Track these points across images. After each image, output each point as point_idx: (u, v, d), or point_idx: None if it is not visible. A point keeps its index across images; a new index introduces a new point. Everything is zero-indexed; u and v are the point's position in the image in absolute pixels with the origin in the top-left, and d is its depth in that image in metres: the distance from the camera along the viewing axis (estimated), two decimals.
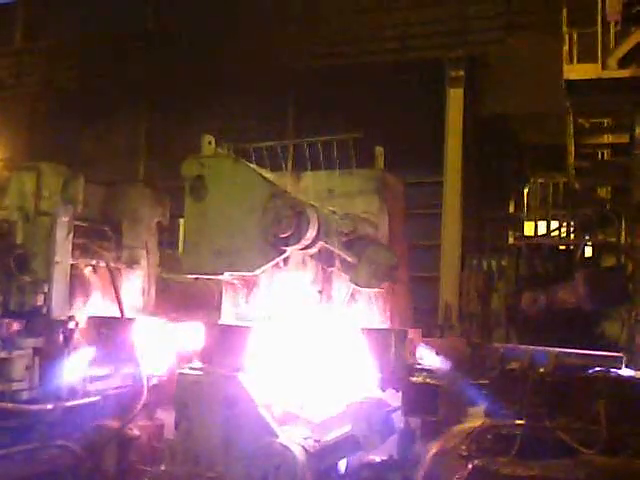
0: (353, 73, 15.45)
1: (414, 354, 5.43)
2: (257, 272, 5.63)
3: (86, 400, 6.17)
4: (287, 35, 16.35)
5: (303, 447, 5.13)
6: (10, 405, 5.76)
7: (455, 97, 14.96)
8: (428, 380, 5.24)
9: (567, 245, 9.84)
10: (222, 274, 5.78)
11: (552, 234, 10.33)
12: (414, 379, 5.26)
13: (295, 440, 5.15)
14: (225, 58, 16.81)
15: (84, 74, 19.15)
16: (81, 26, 19.55)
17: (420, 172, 13.61)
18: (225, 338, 5.60)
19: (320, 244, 5.43)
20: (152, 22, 18.99)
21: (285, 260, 5.66)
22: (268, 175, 5.81)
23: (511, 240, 14.59)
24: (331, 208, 5.70)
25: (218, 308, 7.64)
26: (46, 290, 5.99)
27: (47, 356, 5.98)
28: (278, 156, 6.27)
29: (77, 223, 6.32)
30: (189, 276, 7.81)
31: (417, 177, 12.96)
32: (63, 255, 6.13)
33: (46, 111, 19.58)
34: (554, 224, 10.51)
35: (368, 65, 15.34)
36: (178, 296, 7.59)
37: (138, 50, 18.36)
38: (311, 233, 5.28)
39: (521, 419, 5.01)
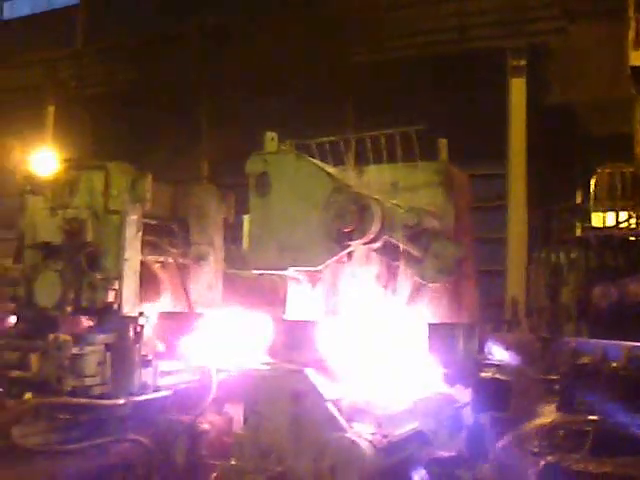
0: (413, 65, 15.35)
1: (483, 349, 5.37)
2: (321, 267, 5.61)
3: (157, 395, 6.26)
4: (346, 29, 16.31)
5: (371, 442, 5.09)
6: (83, 400, 5.88)
7: (517, 87, 14.76)
8: (498, 376, 5.17)
9: (637, 236, 9.59)
10: (286, 269, 5.78)
11: (621, 225, 10.07)
12: (483, 375, 5.19)
13: (363, 435, 5.11)
14: (285, 54, 16.87)
15: (144, 74, 19.46)
16: (140, 26, 19.88)
17: (483, 164, 13.48)
18: (292, 333, 5.60)
19: (384, 238, 5.38)
20: (213, 20, 19.16)
21: (349, 255, 5.62)
22: (331, 170, 5.80)
23: (578, 232, 14.34)
24: (395, 202, 5.67)
25: (283, 303, 7.71)
26: (117, 287, 6.08)
27: (118, 352, 6.09)
28: (340, 151, 6.26)
29: (146, 221, 6.41)
30: (253, 272, 7.93)
31: (480, 169, 12.82)
32: (133, 252, 6.23)
33: (108, 111, 19.98)
34: (623, 215, 10.24)
35: (429, 57, 15.21)
36: (243, 292, 7.65)
37: (198, 49, 18.56)
38: (375, 227, 5.22)
39: (594, 415, 4.90)
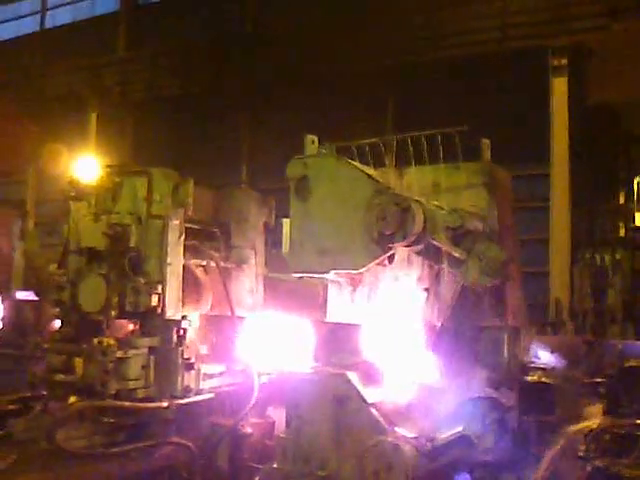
0: (454, 65, 15.25)
1: (528, 352, 5.30)
2: (362, 270, 5.59)
3: (199, 398, 6.28)
4: (387, 30, 16.26)
5: (415, 446, 5.05)
6: (127, 403, 5.92)
7: (559, 86, 14.57)
8: (543, 379, 5.09)
9: None
10: (327, 273, 5.77)
11: None
12: (529, 378, 5.12)
13: (406, 439, 5.07)
14: (323, 57, 16.88)
15: (186, 80, 19.63)
16: (182, 33, 20.08)
17: (526, 164, 13.32)
18: (333, 336, 5.58)
19: (426, 240, 5.34)
20: (251, 25, 19.28)
21: (390, 258, 5.57)
22: (371, 172, 5.77)
23: (622, 233, 14.11)
24: (437, 203, 5.62)
25: (323, 307, 7.69)
26: (160, 291, 6.12)
27: (162, 355, 6.12)
28: (380, 152, 6.23)
29: (188, 225, 6.45)
30: (294, 275, 7.93)
31: (522, 169, 12.69)
32: (175, 256, 6.27)
33: (150, 117, 20.20)
34: None
35: (469, 56, 15.09)
36: (284, 295, 7.65)
37: (238, 54, 18.67)
38: (417, 229, 5.17)
39: None
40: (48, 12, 23.40)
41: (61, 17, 23.01)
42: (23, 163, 21.16)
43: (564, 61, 14.43)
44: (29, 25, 23.56)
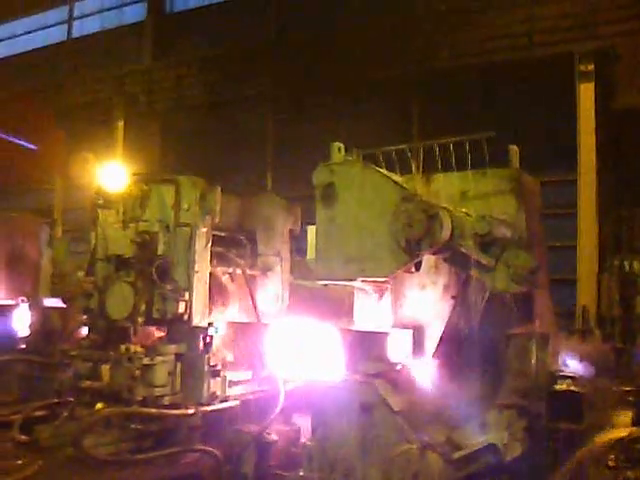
0: (481, 72, 15.19)
1: (556, 360, 5.24)
2: (388, 277, 5.56)
3: (225, 405, 6.29)
4: (413, 37, 16.23)
5: (441, 454, 5.01)
6: (153, 410, 5.94)
7: (586, 92, 14.39)
8: (572, 387, 5.02)
9: None
10: (353, 280, 5.75)
11: None
12: (557, 386, 5.06)
13: (433, 447, 5.03)
14: (348, 64, 16.88)
15: (211, 89, 19.72)
16: (208, 41, 20.19)
17: (552, 170, 13.19)
18: (360, 344, 5.56)
19: (454, 248, 5.30)
20: (276, 33, 19.35)
21: (417, 265, 5.55)
22: (398, 179, 5.75)
23: None
24: (464, 210, 5.58)
25: (349, 314, 7.67)
26: (187, 298, 6.16)
27: (188, 362, 6.14)
28: (407, 159, 6.20)
29: (214, 233, 6.48)
30: (320, 282, 7.93)
31: (549, 175, 12.57)
32: (202, 264, 6.30)
33: (176, 125, 20.31)
34: None
35: (495, 63, 15.01)
36: (309, 302, 7.66)
37: (263, 62, 18.74)
38: (444, 236, 5.14)
39: None
40: (75, 21, 23.65)
41: (88, 26, 23.22)
42: (50, 171, 21.38)
43: (591, 67, 14.27)
44: (57, 34, 23.81)
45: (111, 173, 6.72)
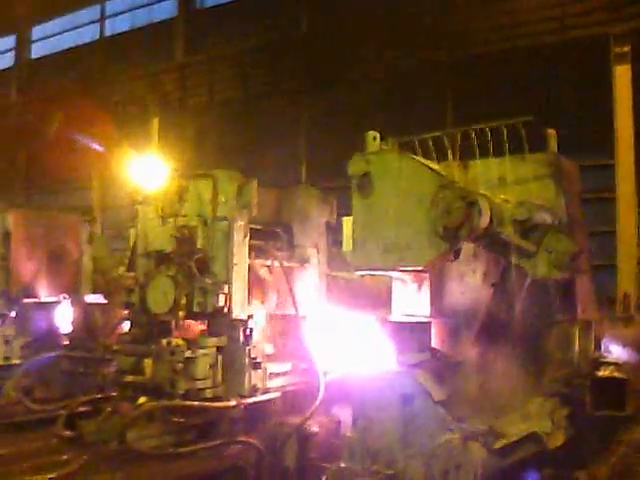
0: (514, 57, 15.01)
1: (599, 346, 5.17)
2: (427, 266, 5.51)
3: (266, 397, 6.32)
4: (445, 23, 16.11)
5: (484, 445, 4.97)
6: (196, 403, 5.99)
7: (622, 74, 14.17)
8: (615, 374, 4.95)
9: None
10: (392, 269, 5.71)
11: None
12: (600, 373, 4.98)
13: (475, 437, 5.00)
14: (379, 54, 16.81)
15: (244, 84, 19.78)
16: (239, 36, 20.23)
17: (590, 154, 12.99)
18: (400, 334, 5.54)
19: (493, 234, 5.24)
20: (307, 25, 19.32)
21: (456, 253, 5.49)
22: (435, 166, 5.70)
23: None
24: (503, 196, 5.52)
25: (387, 304, 7.65)
26: (226, 291, 6.19)
27: (229, 354, 6.18)
28: (443, 146, 6.14)
29: (252, 226, 6.51)
30: (357, 273, 7.92)
31: (588, 160, 12.38)
32: (241, 257, 6.33)
33: (211, 121, 20.42)
34: None
35: (529, 47, 14.83)
36: (347, 293, 7.66)
37: (294, 54, 18.75)
38: (483, 223, 5.07)
39: None
40: (107, 20, 23.88)
41: (120, 24, 23.44)
42: (88, 169, 21.65)
43: (626, 48, 14.03)
44: (89, 33, 24.07)
45: (149, 169, 6.77)
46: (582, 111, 14.16)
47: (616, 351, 5.22)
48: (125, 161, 7.07)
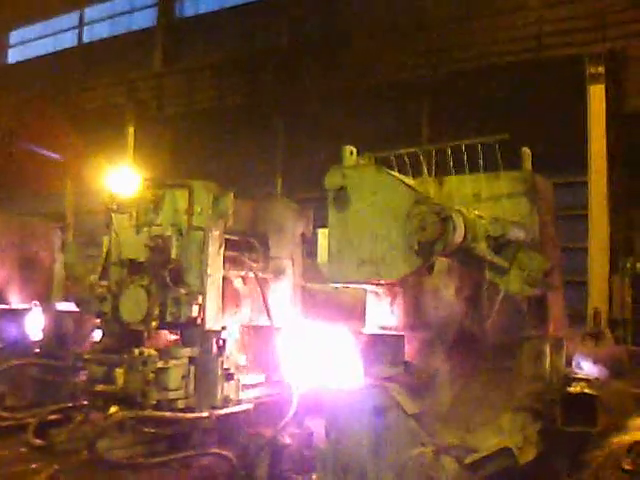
0: (491, 75, 15.20)
1: (571, 362, 5.23)
2: (402, 280, 5.55)
3: (239, 408, 6.30)
4: (422, 40, 16.28)
5: (456, 459, 5.00)
6: (167, 413, 5.96)
7: (596, 94, 14.40)
8: (586, 390, 5.01)
9: None
10: (367, 283, 5.75)
11: None
12: (571, 389, 5.04)
13: (447, 450, 5.03)
14: (357, 68, 16.93)
15: (222, 94, 19.79)
16: (218, 46, 20.26)
17: (563, 172, 13.15)
18: (373, 347, 5.56)
19: (467, 250, 5.30)
20: (286, 38, 19.39)
21: (430, 268, 5.54)
22: (410, 182, 5.74)
23: None
24: (477, 212, 5.58)
25: (361, 317, 7.67)
26: (200, 301, 6.17)
27: (202, 365, 6.16)
28: (419, 162, 6.20)
29: (227, 236, 6.50)
30: (333, 285, 7.94)
31: (560, 177, 12.54)
32: (215, 268, 6.32)
33: (187, 130, 20.39)
34: None
35: (506, 66, 15.02)
36: (321, 305, 7.67)
37: (272, 67, 18.81)
38: (457, 239, 5.12)
39: None
40: (86, 27, 23.78)
41: (99, 31, 23.34)
42: (62, 176, 21.48)
43: (601, 69, 14.27)
44: (67, 40, 23.94)
45: (124, 178, 6.74)
46: (557, 129, 14.36)
47: (587, 367, 5.29)
48: (98, 168, 7.04)
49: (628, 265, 9.76)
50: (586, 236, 14.06)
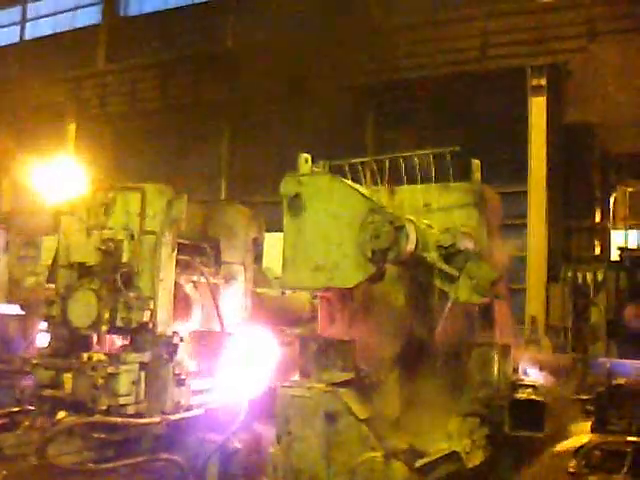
0: (433, 84, 15.46)
1: (517, 369, 5.39)
2: (354, 286, 5.63)
3: (190, 414, 6.28)
4: (366, 48, 16.44)
5: (405, 463, 5.10)
6: (118, 419, 5.90)
7: (537, 106, 14.80)
8: (533, 396, 5.17)
9: None
10: (320, 289, 5.81)
11: None
12: (518, 395, 5.20)
13: (397, 455, 5.12)
14: (303, 72, 16.99)
15: (166, 94, 19.64)
16: (163, 46, 20.11)
17: (503, 181, 13.46)
18: (324, 352, 5.63)
19: (418, 258, 5.41)
20: (232, 40, 19.35)
21: (381, 274, 5.64)
22: (364, 190, 5.84)
23: (597, 251, 14.33)
24: (427, 222, 5.71)
25: (310, 322, 7.72)
26: (151, 306, 6.12)
27: (152, 371, 6.12)
28: (367, 171, 6.31)
29: (179, 241, 6.47)
30: (281, 290, 7.98)
31: (500, 186, 12.84)
32: (167, 272, 6.27)
33: (130, 130, 20.17)
34: None
35: (449, 76, 15.30)
36: (269, 310, 7.71)
37: (218, 68, 18.74)
38: (410, 248, 5.25)
39: (631, 435, 4.89)
40: (28, 23, 23.29)
41: (41, 28, 22.88)
42: None
43: (543, 81, 14.66)
44: (8, 36, 23.41)
45: (62, 176, 6.64)
46: (499, 139, 14.70)
47: (533, 374, 5.46)
48: (37, 166, 6.93)
49: (569, 274, 10.05)
50: (524, 245, 14.38)
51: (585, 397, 5.51)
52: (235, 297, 7.16)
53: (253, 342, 6.55)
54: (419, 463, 5.07)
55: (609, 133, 14.90)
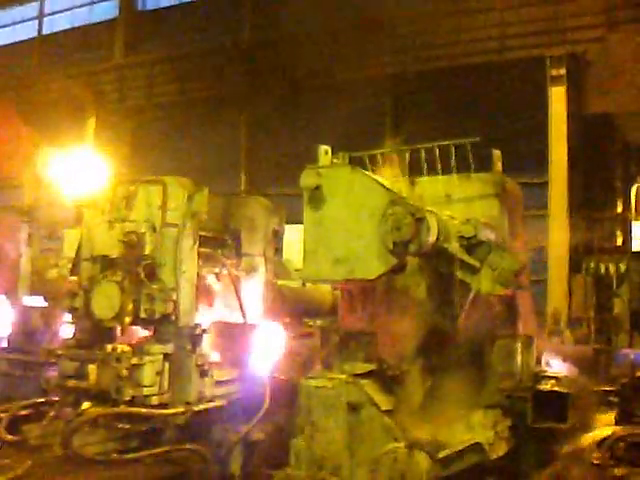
0: (452, 75, 15.38)
1: (540, 361, 5.38)
2: (375, 278, 5.63)
3: (213, 404, 6.32)
4: (387, 40, 16.39)
5: (428, 454, 5.10)
6: (142, 410, 5.95)
7: (557, 96, 14.69)
8: (556, 388, 5.16)
9: None
10: (341, 281, 5.81)
11: None
12: (542, 386, 5.19)
13: (420, 446, 5.12)
14: (322, 64, 16.97)
15: (184, 87, 19.68)
16: (180, 39, 20.13)
17: (524, 173, 13.39)
18: (346, 343, 5.64)
19: (440, 250, 5.40)
20: (250, 32, 19.34)
21: (402, 266, 5.63)
22: (385, 182, 5.83)
23: (619, 241, 14.23)
24: (449, 213, 5.69)
25: (331, 314, 7.73)
26: (174, 298, 6.16)
27: (176, 362, 6.16)
28: (391, 162, 6.29)
29: (201, 233, 6.49)
30: (304, 282, 7.98)
31: (521, 177, 12.77)
32: (189, 264, 6.30)
33: (148, 123, 20.24)
34: None
35: (468, 67, 15.22)
36: (290, 302, 7.73)
37: (237, 60, 18.74)
38: (431, 239, 5.23)
39: None
40: (46, 18, 23.41)
41: (59, 23, 22.99)
42: (19, 168, 21.10)
43: (562, 71, 14.56)
44: (27, 31, 23.55)
45: (83, 170, 6.66)
46: (519, 130, 14.61)
47: (555, 365, 5.44)
48: (57, 160, 6.96)
49: (592, 265, 9.99)
50: (546, 236, 14.31)
51: (609, 388, 5.49)
52: (256, 289, 7.18)
53: (275, 333, 6.58)
54: (442, 454, 5.08)
55: (630, 123, 14.75)
